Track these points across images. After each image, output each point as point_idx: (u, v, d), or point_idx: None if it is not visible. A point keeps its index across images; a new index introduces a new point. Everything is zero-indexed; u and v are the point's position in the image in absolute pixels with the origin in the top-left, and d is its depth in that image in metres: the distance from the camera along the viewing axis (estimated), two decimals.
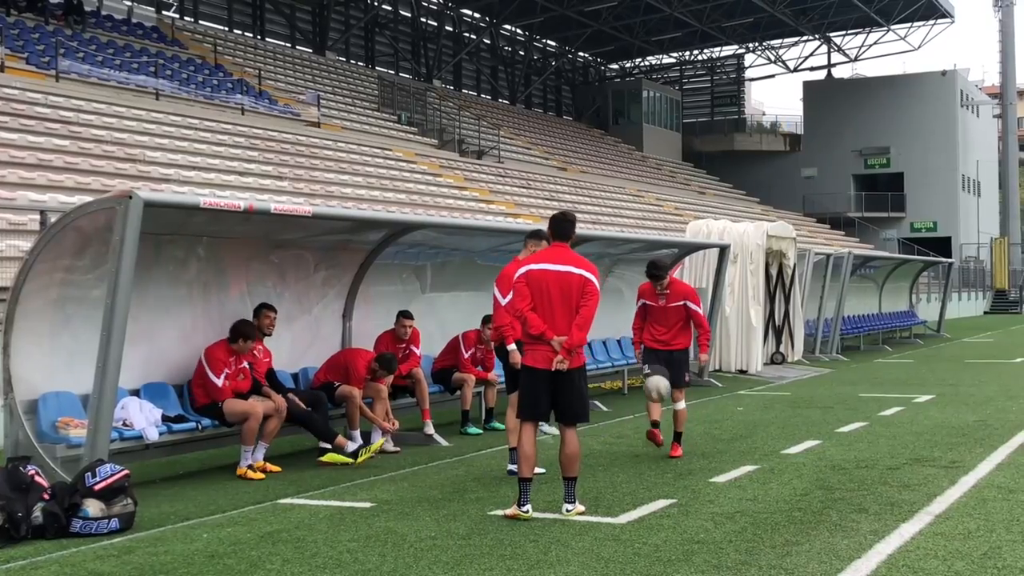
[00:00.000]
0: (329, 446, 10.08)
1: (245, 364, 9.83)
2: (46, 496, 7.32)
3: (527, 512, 7.57)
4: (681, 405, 10.45)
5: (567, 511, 7.68)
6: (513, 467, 9.18)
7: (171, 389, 9.76)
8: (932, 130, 61.10)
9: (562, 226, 8.05)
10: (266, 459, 9.75)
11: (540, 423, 8.16)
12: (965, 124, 63.22)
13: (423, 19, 50.01)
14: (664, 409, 10.78)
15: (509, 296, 8.84)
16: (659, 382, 10.20)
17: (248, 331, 9.71)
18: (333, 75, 40.60)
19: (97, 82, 26.10)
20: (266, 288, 10.92)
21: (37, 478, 7.43)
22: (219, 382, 9.50)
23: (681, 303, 10.42)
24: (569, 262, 7.87)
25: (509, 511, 7.64)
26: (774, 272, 21.63)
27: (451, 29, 51.77)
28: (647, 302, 10.51)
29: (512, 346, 8.93)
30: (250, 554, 6.67)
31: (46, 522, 7.21)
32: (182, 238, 9.94)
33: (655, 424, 10.53)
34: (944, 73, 63.13)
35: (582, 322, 7.72)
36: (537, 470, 9.13)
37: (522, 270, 7.93)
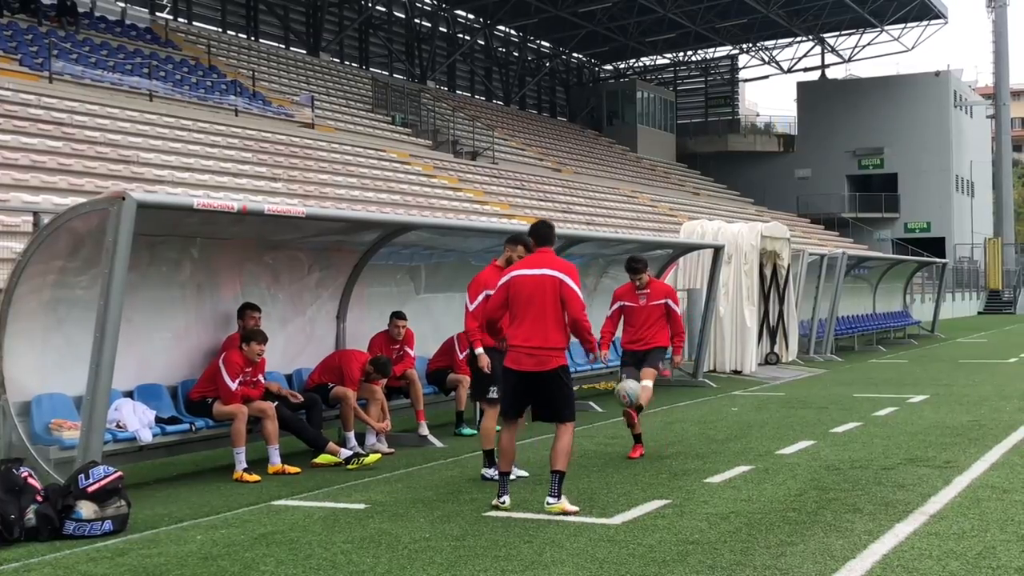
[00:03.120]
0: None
1: (260, 377, 9.86)
2: (39, 498, 7.30)
3: (504, 504, 7.85)
4: (648, 383, 10.25)
5: (548, 504, 7.73)
6: (487, 471, 9.20)
7: (165, 390, 9.74)
8: (926, 131, 61.20)
9: (540, 231, 8.29)
10: (283, 461, 9.75)
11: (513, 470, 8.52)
12: (959, 125, 63.32)
13: (417, 20, 49.99)
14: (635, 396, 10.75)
15: (477, 301, 9.15)
16: (627, 387, 9.99)
17: (255, 336, 9.72)
18: (327, 76, 40.58)
19: (91, 83, 26.06)
20: (260, 289, 10.90)
21: (30, 480, 7.40)
22: (233, 385, 9.52)
23: (663, 301, 10.44)
24: (545, 265, 8.04)
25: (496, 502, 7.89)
26: (768, 273, 21.64)
27: (445, 30, 51.76)
28: (626, 303, 10.50)
29: (480, 349, 9.16)
30: (244, 556, 6.66)
31: (39, 524, 7.19)
32: (176, 239, 9.91)
33: (637, 439, 10.44)
34: (937, 74, 63.20)
35: (580, 328, 7.98)
36: (521, 473, 9.18)
37: (506, 277, 8.19)
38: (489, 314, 8.33)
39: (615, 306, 10.61)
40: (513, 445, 8.07)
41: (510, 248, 9.31)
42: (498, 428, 9.32)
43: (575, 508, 7.76)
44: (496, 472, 9.08)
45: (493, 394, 9.19)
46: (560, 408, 7.97)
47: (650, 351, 10.45)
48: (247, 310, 10.22)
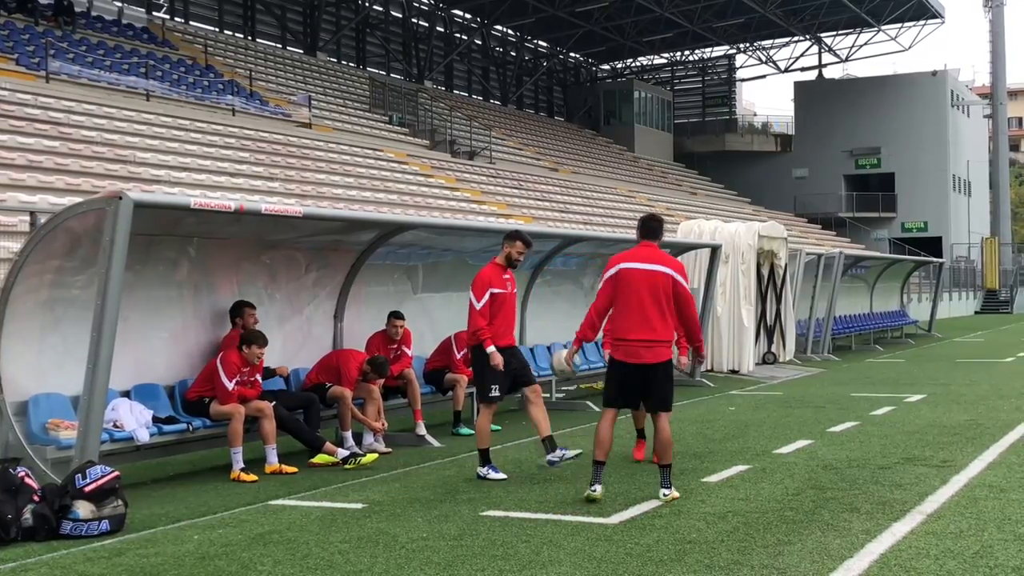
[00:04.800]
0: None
1: (257, 377, 9.86)
2: (36, 498, 7.29)
3: (596, 492, 8.01)
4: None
5: (664, 496, 7.96)
6: (482, 470, 9.16)
7: (162, 390, 9.73)
8: (923, 130, 61.25)
9: (649, 225, 8.44)
10: (280, 461, 9.75)
11: (560, 449, 9.06)
12: (956, 124, 63.38)
13: (414, 20, 49.98)
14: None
15: (484, 299, 9.18)
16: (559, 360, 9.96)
17: (257, 339, 9.71)
18: (324, 76, 40.57)
19: (87, 83, 26.04)
20: (257, 289, 10.89)
21: (27, 480, 7.39)
22: (230, 385, 9.52)
23: None
24: (657, 261, 8.20)
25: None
26: (765, 272, 21.65)
27: (442, 30, 51.74)
28: None
29: (491, 348, 9.18)
30: (241, 555, 6.65)
31: (36, 524, 7.18)
32: (172, 239, 9.90)
33: (641, 433, 10.23)
34: (935, 73, 63.27)
35: (694, 326, 8.33)
36: (571, 453, 9.22)
37: (612, 270, 8.23)
38: (600, 309, 8.33)
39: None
40: (611, 435, 8.27)
41: (508, 244, 9.44)
42: (496, 428, 9.35)
43: (677, 493, 8.10)
44: (489, 470, 9.15)
45: (495, 392, 9.20)
46: (667, 398, 8.25)
47: None
48: (244, 308, 10.20)
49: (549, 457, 9.19)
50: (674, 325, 8.23)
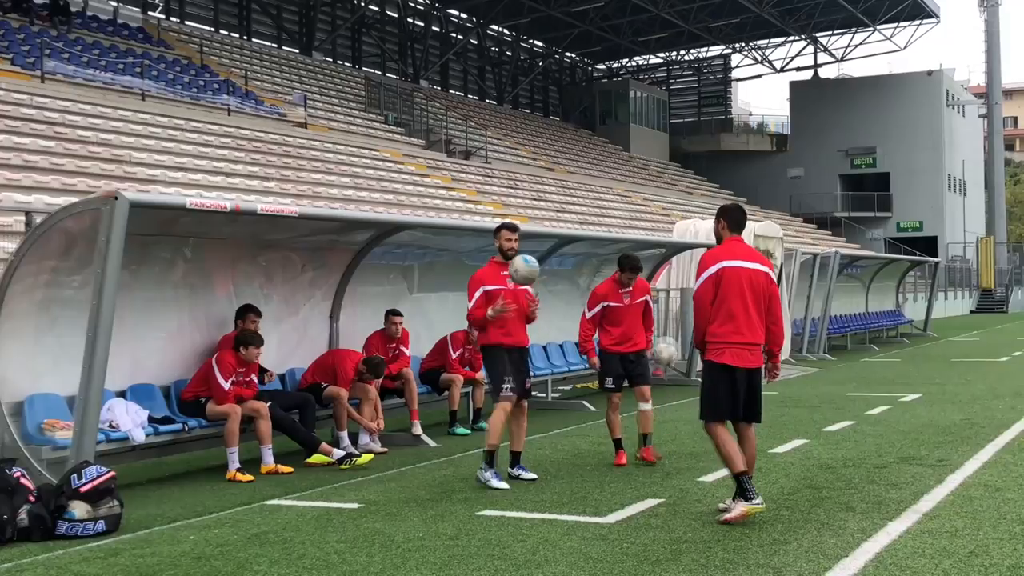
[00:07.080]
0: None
1: (253, 377, 9.87)
2: (32, 498, 7.29)
3: (760, 504, 7.31)
4: (647, 406, 9.99)
5: (759, 505, 7.37)
6: (486, 475, 8.84)
7: (158, 390, 9.73)
8: (918, 130, 61.29)
9: (738, 218, 7.84)
10: (276, 461, 9.75)
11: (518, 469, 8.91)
12: (951, 124, 63.44)
13: (410, 19, 49.95)
14: (631, 414, 10.65)
15: (476, 297, 9.03)
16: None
17: (253, 340, 9.70)
18: (320, 75, 40.53)
19: (83, 83, 26.00)
20: (253, 289, 10.89)
21: (23, 480, 7.39)
22: (226, 385, 9.53)
23: (643, 299, 10.02)
24: (756, 259, 7.75)
25: (735, 514, 7.27)
26: None
27: (438, 29, 51.71)
28: (610, 303, 9.96)
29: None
30: (237, 555, 6.65)
31: (32, 524, 7.18)
32: (168, 239, 9.90)
33: (618, 444, 9.99)
34: (930, 73, 63.35)
35: (780, 328, 7.73)
36: (528, 475, 9.12)
37: (712, 269, 7.60)
38: (708, 315, 7.56)
39: (598, 307, 10.05)
40: (736, 445, 7.52)
41: (495, 238, 9.27)
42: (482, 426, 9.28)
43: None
44: (491, 477, 8.84)
45: (508, 385, 8.91)
46: (761, 406, 7.73)
47: (640, 356, 10.06)
48: (249, 313, 10.16)
49: (509, 470, 9.13)
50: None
